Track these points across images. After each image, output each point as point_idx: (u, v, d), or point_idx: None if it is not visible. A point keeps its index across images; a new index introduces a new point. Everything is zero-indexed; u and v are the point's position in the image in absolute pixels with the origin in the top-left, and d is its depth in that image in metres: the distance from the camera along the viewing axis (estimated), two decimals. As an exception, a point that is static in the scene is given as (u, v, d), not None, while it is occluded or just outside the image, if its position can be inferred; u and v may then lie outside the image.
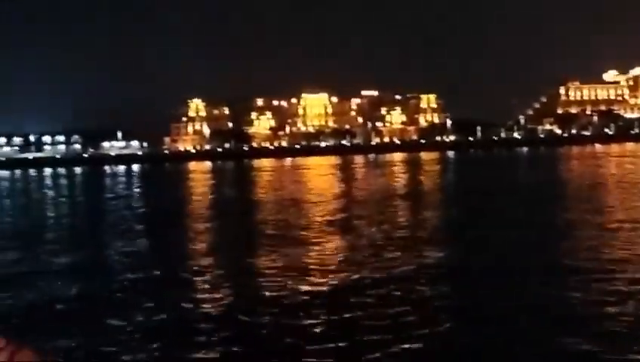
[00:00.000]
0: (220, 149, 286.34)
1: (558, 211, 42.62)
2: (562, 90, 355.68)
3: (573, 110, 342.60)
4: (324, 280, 23.72)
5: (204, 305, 20.66)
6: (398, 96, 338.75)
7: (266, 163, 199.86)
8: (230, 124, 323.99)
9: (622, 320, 17.31)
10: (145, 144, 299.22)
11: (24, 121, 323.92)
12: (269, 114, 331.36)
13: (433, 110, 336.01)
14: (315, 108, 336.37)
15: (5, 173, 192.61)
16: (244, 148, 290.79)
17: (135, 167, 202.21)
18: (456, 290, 21.79)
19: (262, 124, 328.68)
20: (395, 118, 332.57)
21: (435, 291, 21.52)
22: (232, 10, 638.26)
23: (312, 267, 26.23)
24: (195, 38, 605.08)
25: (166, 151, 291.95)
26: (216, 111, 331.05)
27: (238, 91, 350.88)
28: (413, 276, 23.78)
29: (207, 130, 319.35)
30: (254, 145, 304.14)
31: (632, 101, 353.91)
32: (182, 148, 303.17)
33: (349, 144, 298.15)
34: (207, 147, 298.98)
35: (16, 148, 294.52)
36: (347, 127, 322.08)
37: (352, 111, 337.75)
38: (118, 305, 21.07)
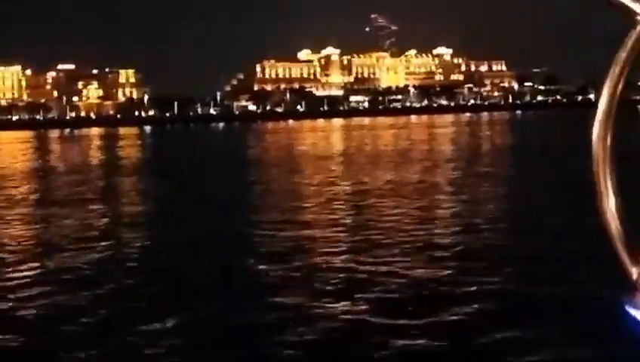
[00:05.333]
0: None
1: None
2: (259, 68, 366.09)
3: (269, 87, 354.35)
4: None
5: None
6: (95, 71, 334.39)
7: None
8: None
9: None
10: None
11: None
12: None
13: (132, 85, 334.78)
14: (7, 80, 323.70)
15: None
16: None
17: None
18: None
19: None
20: (92, 92, 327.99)
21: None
22: None
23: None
24: None
25: None
26: None
27: None
28: None
29: None
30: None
31: (323, 79, 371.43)
32: None
33: (42, 118, 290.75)
34: None
35: None
36: (42, 101, 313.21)
37: (47, 85, 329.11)
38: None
